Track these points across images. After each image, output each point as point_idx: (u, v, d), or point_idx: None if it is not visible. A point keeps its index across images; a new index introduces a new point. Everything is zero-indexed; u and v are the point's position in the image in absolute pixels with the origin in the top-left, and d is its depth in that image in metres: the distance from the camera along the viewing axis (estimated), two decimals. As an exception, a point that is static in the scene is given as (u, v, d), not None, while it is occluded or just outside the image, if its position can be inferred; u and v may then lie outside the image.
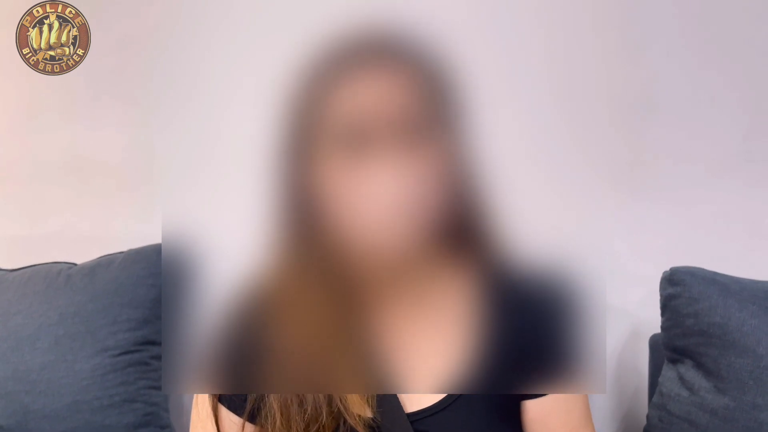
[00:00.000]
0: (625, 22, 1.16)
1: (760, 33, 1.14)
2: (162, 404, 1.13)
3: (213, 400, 0.66)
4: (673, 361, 0.96)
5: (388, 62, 0.53)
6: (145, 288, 1.11)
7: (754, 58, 1.14)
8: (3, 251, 1.34)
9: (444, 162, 0.54)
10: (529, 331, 0.56)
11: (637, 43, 1.16)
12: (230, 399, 0.65)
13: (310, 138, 0.54)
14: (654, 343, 1.06)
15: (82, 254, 1.20)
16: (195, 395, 0.68)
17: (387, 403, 0.62)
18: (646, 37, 1.16)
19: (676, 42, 1.16)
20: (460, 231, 0.56)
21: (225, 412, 0.66)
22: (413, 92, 0.53)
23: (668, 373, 0.96)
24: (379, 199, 0.53)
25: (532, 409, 0.66)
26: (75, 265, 1.18)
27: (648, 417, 0.99)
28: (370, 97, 0.53)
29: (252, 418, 0.64)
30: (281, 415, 0.60)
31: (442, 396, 0.63)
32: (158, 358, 1.12)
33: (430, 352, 0.60)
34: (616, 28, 1.16)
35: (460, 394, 0.62)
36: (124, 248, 1.17)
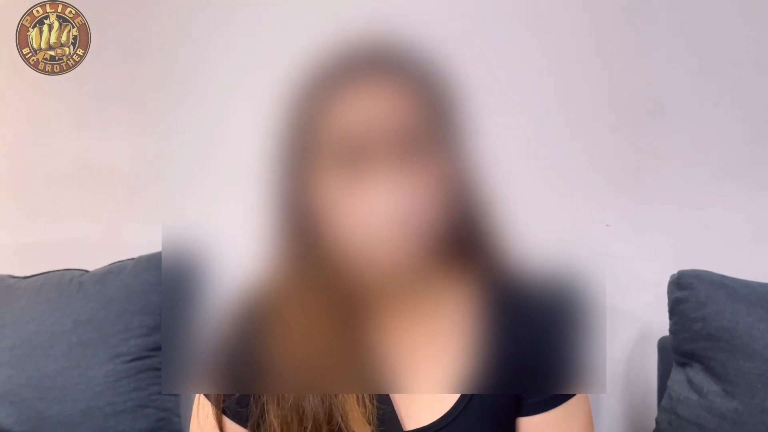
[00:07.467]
0: (629, 26, 1.17)
1: (764, 37, 1.14)
2: (174, 409, 1.14)
3: (217, 413, 0.65)
4: (682, 365, 0.96)
5: (384, 76, 0.53)
6: (156, 294, 1.12)
7: (758, 62, 1.14)
8: (15, 259, 1.35)
9: (442, 175, 0.54)
10: (529, 334, 0.57)
11: (641, 47, 1.17)
12: (234, 411, 0.65)
13: (308, 152, 0.54)
14: (663, 346, 1.06)
15: (94, 261, 1.20)
16: (195, 404, 0.69)
17: (386, 422, 0.62)
18: (651, 40, 1.17)
19: (681, 45, 1.16)
20: (461, 241, 0.56)
21: (230, 424, 0.65)
22: (410, 106, 0.53)
23: (677, 376, 0.96)
24: (374, 213, 0.53)
25: (528, 426, 0.64)
26: (87, 272, 1.19)
27: (657, 420, 0.99)
28: (366, 112, 0.53)
29: (254, 430, 0.64)
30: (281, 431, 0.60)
31: (440, 414, 0.62)
32: (169, 363, 1.13)
33: (429, 353, 0.61)
34: (621, 33, 1.16)
35: (458, 414, 0.62)
36: (135, 254, 1.18)
